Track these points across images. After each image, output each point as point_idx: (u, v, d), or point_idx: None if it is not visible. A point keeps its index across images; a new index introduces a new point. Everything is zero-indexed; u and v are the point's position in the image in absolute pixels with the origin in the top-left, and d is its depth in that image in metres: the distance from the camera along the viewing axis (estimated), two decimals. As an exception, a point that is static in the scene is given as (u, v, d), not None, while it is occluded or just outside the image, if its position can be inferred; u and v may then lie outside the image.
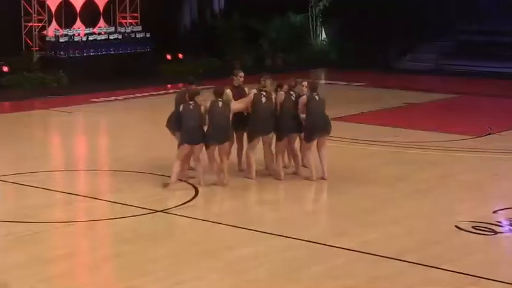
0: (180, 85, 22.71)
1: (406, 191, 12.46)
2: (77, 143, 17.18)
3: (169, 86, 24.08)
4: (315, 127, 12.87)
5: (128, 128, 18.16)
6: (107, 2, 26.48)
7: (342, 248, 9.80)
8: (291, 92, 13.06)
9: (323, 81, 27.36)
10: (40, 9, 24.80)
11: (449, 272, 9.04)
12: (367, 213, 11.39)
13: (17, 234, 10.31)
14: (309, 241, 10.07)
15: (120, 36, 25.86)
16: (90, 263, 9.57)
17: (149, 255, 9.59)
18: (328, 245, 9.93)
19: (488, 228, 10.59)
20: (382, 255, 9.52)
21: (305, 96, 12.95)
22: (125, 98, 21.85)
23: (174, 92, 22.81)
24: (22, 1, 24.65)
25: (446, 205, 11.77)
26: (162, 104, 18.15)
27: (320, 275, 8.99)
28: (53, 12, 25.24)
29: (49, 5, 25.05)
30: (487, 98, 22.35)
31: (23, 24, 24.80)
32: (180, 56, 27.33)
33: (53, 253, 9.70)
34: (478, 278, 8.88)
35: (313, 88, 13.14)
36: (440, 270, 9.09)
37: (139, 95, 22.34)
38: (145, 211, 11.34)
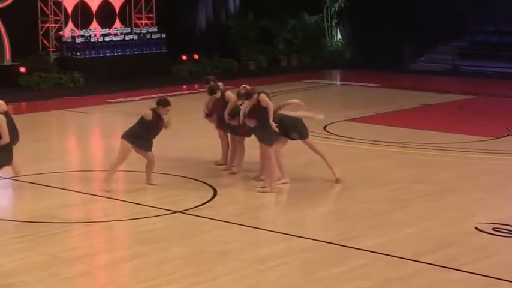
0: (196, 86, 22.84)
1: (422, 193, 12.39)
2: (93, 143, 17.25)
3: (184, 86, 24.15)
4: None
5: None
6: (123, 3, 26.57)
7: (358, 249, 9.78)
8: None
9: (338, 83, 27.38)
10: (57, 10, 24.93)
11: (467, 273, 8.99)
12: (383, 214, 11.34)
13: (35, 234, 10.34)
14: (326, 242, 10.05)
15: (135, 37, 25.96)
16: (107, 264, 9.58)
17: (166, 256, 9.60)
18: (345, 246, 9.91)
19: (509, 230, 10.51)
20: (399, 257, 9.49)
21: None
22: (141, 99, 21.90)
23: (189, 93, 22.99)
24: (39, 2, 24.79)
25: (464, 207, 11.69)
26: (178, 104, 18.11)
27: (336, 277, 8.96)
28: (69, 13, 25.38)
29: (65, 5, 25.17)
30: (503, 99, 22.26)
31: (39, 25, 24.94)
32: (196, 56, 27.38)
33: (71, 254, 9.72)
34: (497, 280, 8.83)
35: None
36: (458, 271, 9.05)
37: (155, 95, 22.32)
38: (163, 212, 11.37)
